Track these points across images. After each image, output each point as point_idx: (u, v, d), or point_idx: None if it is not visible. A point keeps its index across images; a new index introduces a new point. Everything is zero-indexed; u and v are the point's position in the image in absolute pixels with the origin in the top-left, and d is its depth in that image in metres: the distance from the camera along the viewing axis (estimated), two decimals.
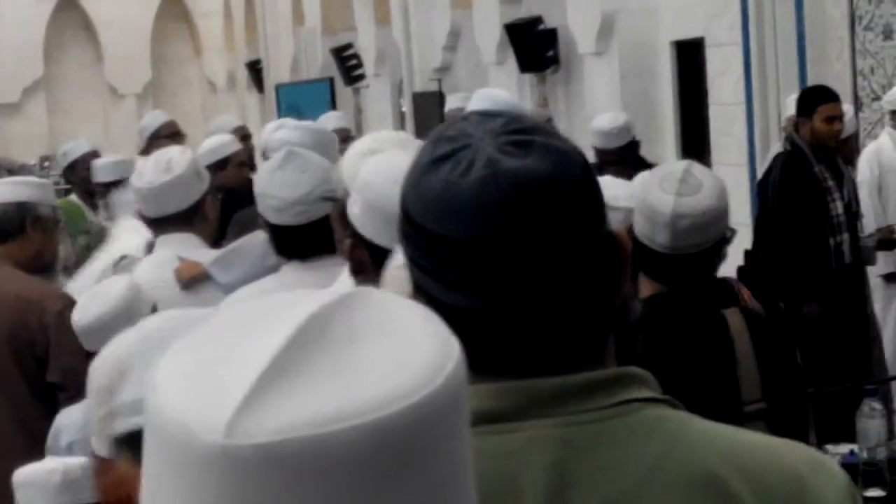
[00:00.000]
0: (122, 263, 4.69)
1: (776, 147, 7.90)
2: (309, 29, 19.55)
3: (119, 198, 6.40)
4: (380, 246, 2.80)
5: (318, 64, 18.95)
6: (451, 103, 8.75)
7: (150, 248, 4.70)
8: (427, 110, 14.06)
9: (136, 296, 3.73)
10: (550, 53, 12.33)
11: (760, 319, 3.58)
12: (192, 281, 4.33)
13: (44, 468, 2.93)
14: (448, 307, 1.29)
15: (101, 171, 7.54)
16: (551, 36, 12.30)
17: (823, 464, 1.41)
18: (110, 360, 1.55)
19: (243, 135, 8.59)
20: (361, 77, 17.40)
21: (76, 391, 3.60)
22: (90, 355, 1.71)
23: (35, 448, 3.49)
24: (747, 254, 7.25)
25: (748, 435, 1.44)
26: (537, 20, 12.39)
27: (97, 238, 5.59)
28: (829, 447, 4.72)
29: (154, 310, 3.53)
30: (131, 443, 1.42)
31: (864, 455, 4.38)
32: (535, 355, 1.36)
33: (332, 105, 16.57)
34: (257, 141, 7.72)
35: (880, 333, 7.67)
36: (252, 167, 7.88)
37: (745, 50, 9.63)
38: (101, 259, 5.37)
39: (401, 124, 15.87)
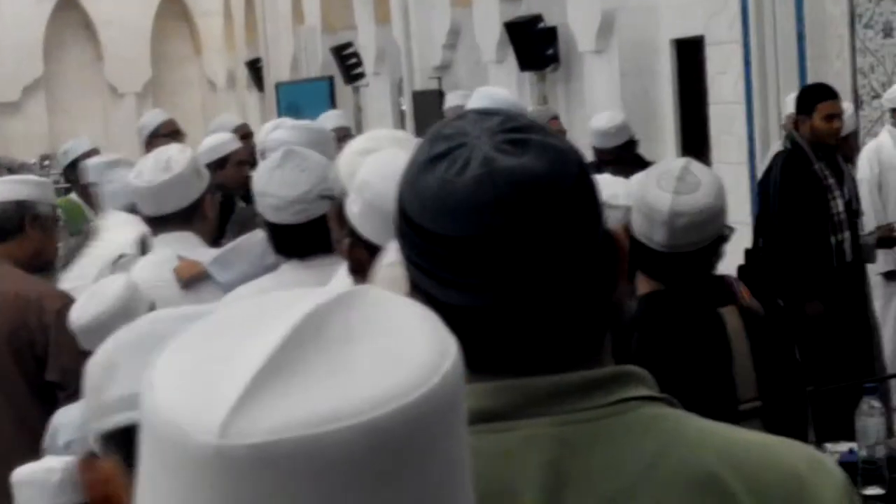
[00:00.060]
0: (121, 262, 4.68)
1: (776, 145, 7.90)
2: (309, 28, 19.55)
3: (107, 189, 6.38)
4: (378, 246, 2.79)
5: (318, 63, 18.95)
6: (451, 101, 8.75)
7: (142, 243, 4.69)
8: (427, 109, 14.06)
9: (134, 295, 3.73)
10: (550, 52, 12.33)
11: (758, 318, 3.58)
12: (192, 280, 4.33)
13: (43, 467, 2.93)
14: (444, 305, 1.28)
15: (94, 170, 7.52)
16: (551, 34, 12.30)
17: (821, 462, 1.41)
18: (100, 359, 1.55)
19: (245, 133, 8.57)
20: (361, 76, 17.40)
21: (76, 390, 3.59)
22: (88, 354, 1.71)
23: (35, 447, 3.49)
24: (748, 252, 7.24)
25: (745, 433, 1.44)
26: (537, 18, 12.40)
27: (87, 238, 5.58)
28: (829, 445, 4.72)
29: (152, 309, 3.52)
30: (116, 440, 1.41)
31: (864, 453, 4.38)
32: (532, 354, 1.36)
33: (332, 104, 16.57)
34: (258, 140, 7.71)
35: (880, 331, 7.67)
36: (253, 165, 7.86)
37: (745, 48, 9.63)
38: (93, 255, 5.35)
39: (401, 123, 15.88)
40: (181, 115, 12.76)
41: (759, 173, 8.00)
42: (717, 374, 3.49)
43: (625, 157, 7.88)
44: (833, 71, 9.22)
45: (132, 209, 5.91)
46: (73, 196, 7.96)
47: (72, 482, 2.84)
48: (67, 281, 5.03)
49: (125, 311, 3.57)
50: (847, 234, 7.09)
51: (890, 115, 8.45)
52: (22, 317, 4.50)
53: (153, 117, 8.68)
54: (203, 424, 0.89)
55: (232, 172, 6.94)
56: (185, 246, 4.44)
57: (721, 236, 3.55)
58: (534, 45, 12.35)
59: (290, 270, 3.75)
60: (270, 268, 3.90)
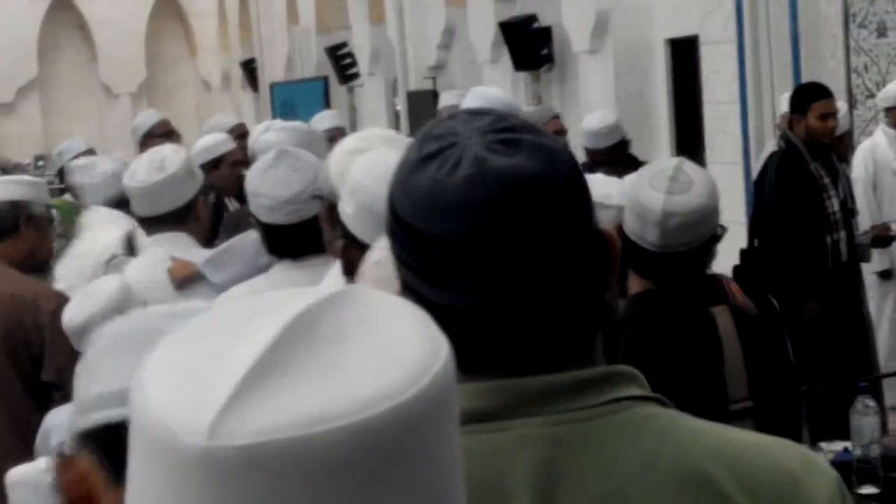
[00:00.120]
0: (113, 262, 4.68)
1: (771, 145, 7.90)
2: (303, 28, 19.53)
3: (86, 182, 6.37)
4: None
5: (313, 63, 18.94)
6: (446, 101, 8.76)
7: (128, 241, 4.69)
8: (422, 109, 14.06)
9: (127, 296, 3.73)
10: (545, 52, 12.33)
11: (750, 317, 3.57)
12: (186, 280, 4.32)
13: (38, 468, 2.92)
14: (436, 306, 1.28)
15: (78, 170, 7.51)
16: (546, 34, 12.30)
17: (814, 461, 1.41)
18: (84, 359, 1.55)
19: (241, 133, 8.57)
20: (356, 76, 17.39)
21: (71, 390, 3.59)
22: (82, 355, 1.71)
23: (30, 448, 3.49)
24: (743, 252, 7.24)
25: (738, 433, 1.44)
26: (532, 18, 12.40)
27: (70, 238, 5.58)
28: (823, 444, 4.72)
29: None
30: (93, 439, 1.41)
31: (858, 452, 4.38)
32: (524, 354, 1.36)
33: (327, 104, 16.56)
34: None
35: (874, 331, 7.67)
36: (248, 166, 7.85)
37: (739, 48, 9.64)
38: (77, 255, 5.33)
39: (395, 123, 15.87)
40: (176, 115, 12.77)
41: (754, 173, 8.00)
42: (707, 374, 3.48)
43: (617, 157, 7.87)
44: (827, 70, 9.22)
45: (113, 203, 5.91)
46: (68, 197, 7.95)
47: None
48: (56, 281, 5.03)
49: (118, 312, 3.56)
50: (842, 234, 7.09)
51: (884, 114, 8.46)
52: (17, 317, 4.50)
53: (147, 118, 8.68)
54: (192, 425, 0.89)
55: (226, 173, 6.94)
56: (179, 246, 4.44)
57: (713, 236, 3.55)
58: (528, 45, 12.35)
59: (282, 270, 3.75)
60: (264, 268, 3.89)
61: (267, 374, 0.91)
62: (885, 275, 8.41)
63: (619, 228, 3.52)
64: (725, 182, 7.98)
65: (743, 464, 1.36)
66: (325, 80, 17.97)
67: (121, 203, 5.97)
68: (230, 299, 3.54)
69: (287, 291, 1.00)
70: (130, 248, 4.70)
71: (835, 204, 7.08)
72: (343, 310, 0.96)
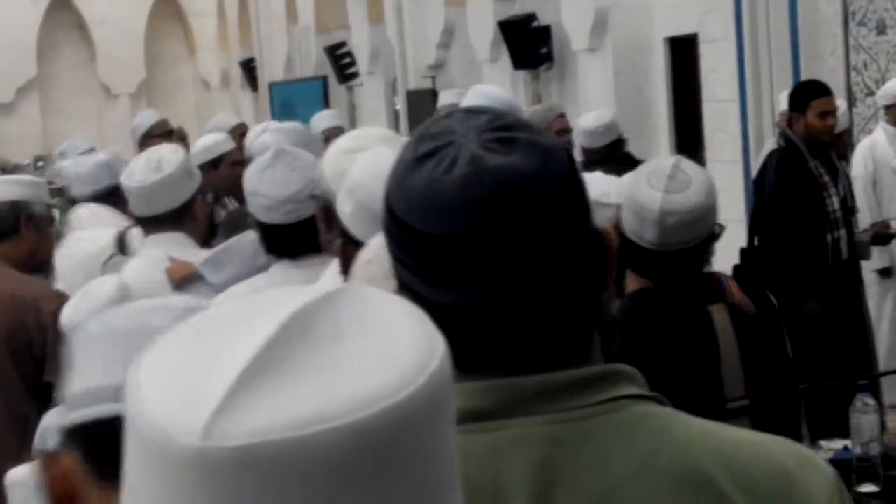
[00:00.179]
0: (111, 262, 4.67)
1: (770, 143, 7.89)
2: (302, 27, 19.53)
3: (73, 172, 6.36)
4: None
5: (312, 62, 18.93)
6: (445, 100, 8.74)
7: (120, 239, 4.68)
8: (421, 108, 14.05)
9: (125, 296, 3.72)
10: (544, 50, 12.33)
11: (747, 315, 3.57)
12: (184, 281, 4.32)
13: (38, 468, 2.92)
14: (432, 304, 1.27)
15: (69, 164, 7.50)
16: (545, 33, 12.30)
17: (810, 459, 1.40)
18: (68, 356, 1.55)
19: (242, 132, 8.56)
20: (355, 75, 17.38)
21: None
22: None
23: (31, 448, 3.49)
24: (743, 251, 7.24)
25: (735, 431, 1.43)
26: (531, 17, 12.40)
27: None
28: (823, 443, 4.72)
29: None
30: (76, 436, 1.41)
31: (858, 450, 4.38)
32: (520, 353, 1.36)
33: (326, 103, 16.56)
34: None
35: (874, 329, 7.67)
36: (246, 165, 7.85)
37: (738, 46, 9.64)
38: (72, 255, 5.32)
39: (395, 122, 15.87)
40: (175, 115, 12.76)
41: (754, 171, 7.99)
42: (704, 372, 3.48)
43: (614, 155, 7.86)
44: (827, 68, 9.22)
45: (102, 196, 5.90)
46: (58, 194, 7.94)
47: None
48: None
49: None
50: (842, 232, 7.08)
51: (884, 112, 8.46)
52: (19, 317, 4.49)
53: (147, 118, 8.68)
54: (186, 426, 0.88)
55: (226, 173, 6.92)
56: (177, 247, 4.43)
57: (711, 235, 3.54)
58: (528, 43, 12.35)
59: (280, 270, 3.74)
60: (262, 268, 3.89)
61: (262, 373, 0.90)
62: (884, 272, 8.41)
63: (617, 227, 3.52)
64: (725, 180, 7.98)
65: (740, 462, 1.35)
66: (325, 79, 17.96)
67: (110, 195, 5.98)
68: (229, 299, 3.54)
69: (283, 290, 0.99)
70: (122, 249, 4.69)
71: (835, 202, 7.07)
72: (340, 308, 0.96)
